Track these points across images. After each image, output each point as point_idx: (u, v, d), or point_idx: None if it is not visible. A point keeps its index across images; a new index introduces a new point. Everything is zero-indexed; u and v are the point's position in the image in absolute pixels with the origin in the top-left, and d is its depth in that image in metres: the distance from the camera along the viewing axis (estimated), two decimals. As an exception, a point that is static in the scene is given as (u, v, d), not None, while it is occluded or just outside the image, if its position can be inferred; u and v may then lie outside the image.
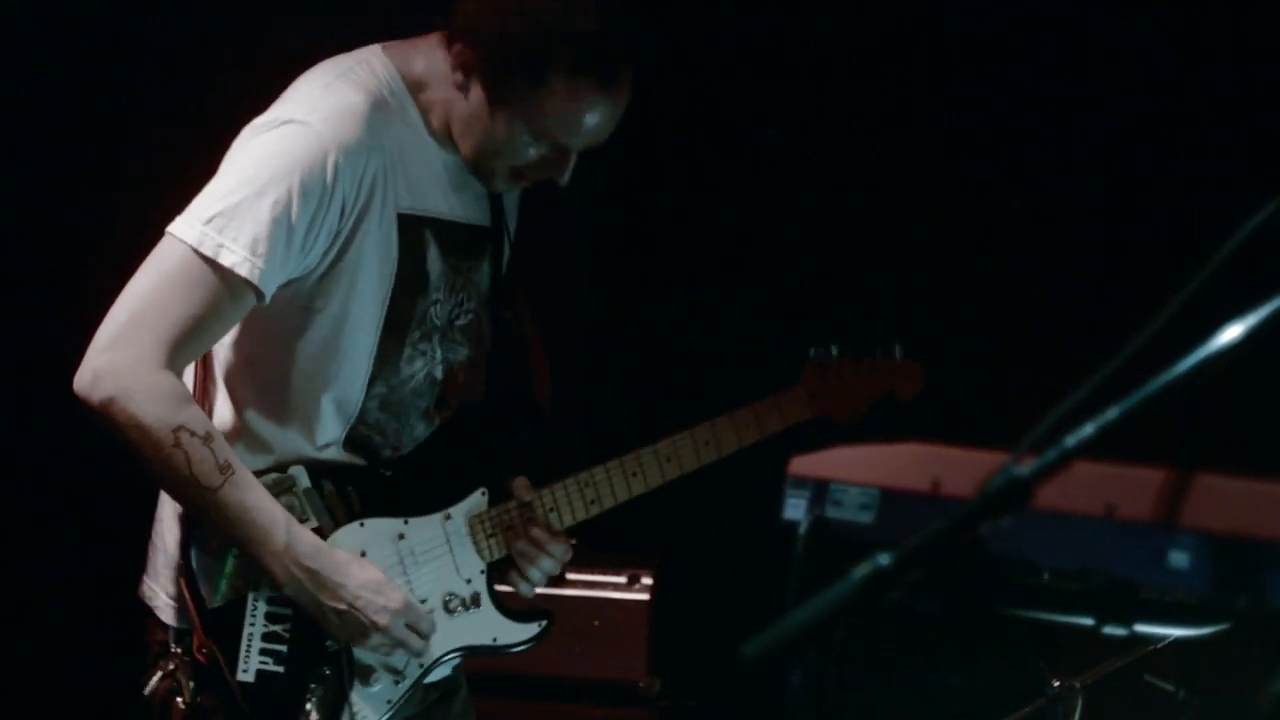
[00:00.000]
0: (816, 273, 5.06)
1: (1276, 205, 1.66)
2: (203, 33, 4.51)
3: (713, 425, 3.34)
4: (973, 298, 5.04)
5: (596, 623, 4.55)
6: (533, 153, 3.05)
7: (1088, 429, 1.53)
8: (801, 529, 1.82)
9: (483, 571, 3.22)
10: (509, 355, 3.38)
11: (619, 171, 5.19)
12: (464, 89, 3.00)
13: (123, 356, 2.84)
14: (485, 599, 3.22)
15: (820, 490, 1.83)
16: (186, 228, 2.89)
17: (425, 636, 3.11)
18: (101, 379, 2.85)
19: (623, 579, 4.61)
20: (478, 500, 3.23)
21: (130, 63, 4.48)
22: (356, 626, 3.01)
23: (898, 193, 5.03)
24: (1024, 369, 4.94)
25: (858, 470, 1.82)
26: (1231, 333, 1.55)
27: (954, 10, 4.95)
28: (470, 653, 3.24)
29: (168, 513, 3.11)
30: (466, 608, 3.20)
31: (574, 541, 3.32)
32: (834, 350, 3.48)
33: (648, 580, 4.62)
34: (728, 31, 5.10)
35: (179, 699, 3.03)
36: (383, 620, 3.01)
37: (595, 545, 4.69)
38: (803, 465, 1.86)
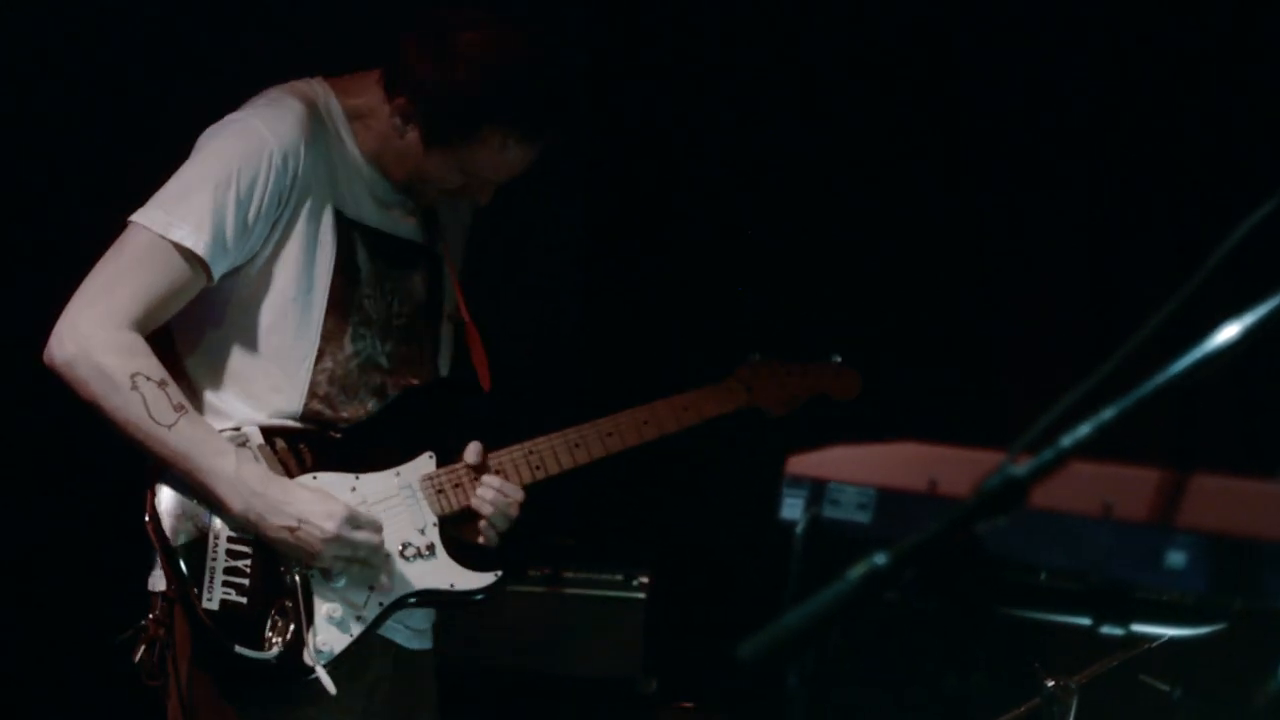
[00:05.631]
0: (806, 268, 5.07)
1: (1271, 207, 1.66)
2: (201, 47, 4.55)
3: (652, 407, 3.64)
4: (969, 298, 5.04)
5: (593, 621, 4.55)
6: (460, 181, 3.43)
7: (1084, 429, 1.53)
8: (799, 528, 1.83)
9: (435, 524, 3.43)
10: (454, 348, 3.67)
11: (603, 176, 5.20)
12: (400, 130, 3.37)
13: (83, 320, 3.15)
14: (440, 548, 3.42)
15: (817, 489, 1.83)
16: (142, 212, 3.24)
17: (376, 533, 3.30)
18: (65, 341, 3.15)
19: (619, 577, 4.62)
20: (425, 461, 3.47)
21: (132, 72, 4.50)
22: (309, 540, 3.21)
23: (894, 193, 5.03)
24: (1021, 369, 4.94)
25: (855, 470, 1.82)
26: (1228, 333, 1.56)
27: (950, 13, 4.95)
28: (430, 598, 3.42)
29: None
30: (422, 555, 3.40)
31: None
32: (771, 356, 3.82)
33: (644, 579, 4.62)
34: (707, 38, 5.11)
35: (156, 654, 3.23)
36: (330, 526, 3.22)
37: (592, 544, 4.71)
38: (800, 465, 1.86)
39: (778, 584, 1.75)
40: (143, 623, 3.26)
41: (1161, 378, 1.55)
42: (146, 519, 3.23)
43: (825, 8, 5.05)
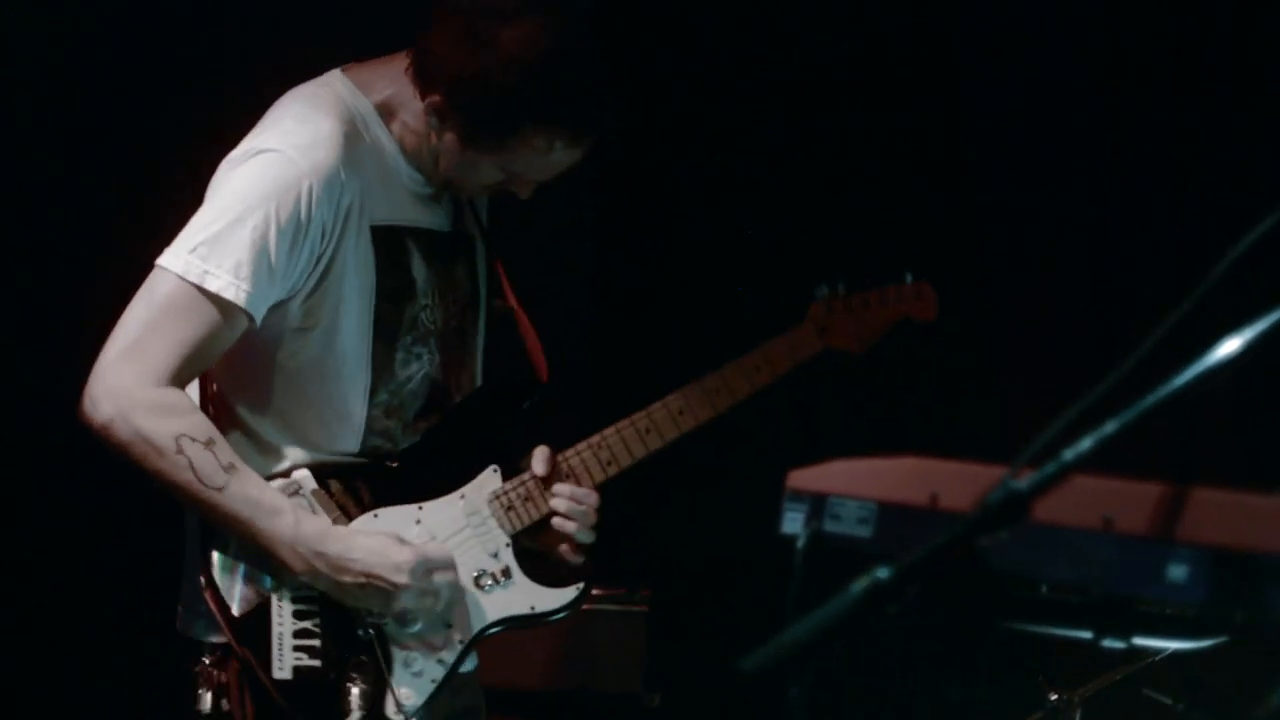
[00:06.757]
0: (807, 273, 5.05)
1: (1273, 220, 1.66)
2: (215, 62, 4.54)
3: (721, 373, 3.37)
4: (970, 311, 5.04)
5: (594, 636, 4.54)
6: (500, 178, 3.19)
7: (1085, 443, 1.53)
8: (800, 543, 1.83)
9: (508, 544, 3.25)
10: (502, 338, 3.44)
11: (618, 144, 5.16)
12: (437, 130, 3.13)
13: (120, 380, 2.96)
14: (516, 570, 3.24)
15: (818, 504, 1.83)
16: (173, 258, 3.01)
17: (451, 574, 3.13)
18: (101, 402, 2.96)
19: (621, 591, 4.61)
20: (490, 477, 3.28)
21: (146, 87, 4.50)
22: (381, 594, 3.06)
23: (896, 205, 5.03)
24: (1022, 383, 4.94)
25: (856, 484, 1.82)
26: (1229, 346, 1.56)
27: (950, 13, 4.95)
28: (513, 624, 3.25)
29: (192, 537, 3.16)
30: (498, 582, 3.23)
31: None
32: (840, 286, 3.51)
33: (646, 593, 4.61)
34: (727, 18, 5.09)
35: (228, 710, 3.09)
36: (401, 578, 3.05)
37: (593, 557, 4.71)
38: (801, 479, 1.86)
39: (779, 598, 1.75)
40: (216, 684, 3.11)
41: (1163, 391, 1.55)
42: (203, 586, 3.07)
43: (828, 7, 5.04)
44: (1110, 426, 1.53)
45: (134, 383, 2.95)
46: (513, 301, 3.41)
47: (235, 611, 3.07)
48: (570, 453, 3.31)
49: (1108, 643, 1.74)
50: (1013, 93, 4.91)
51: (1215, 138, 4.69)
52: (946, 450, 1.79)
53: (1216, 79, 4.68)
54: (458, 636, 3.18)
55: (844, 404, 4.75)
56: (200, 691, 3.11)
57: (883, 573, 1.52)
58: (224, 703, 3.09)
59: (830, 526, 1.82)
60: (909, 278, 3.54)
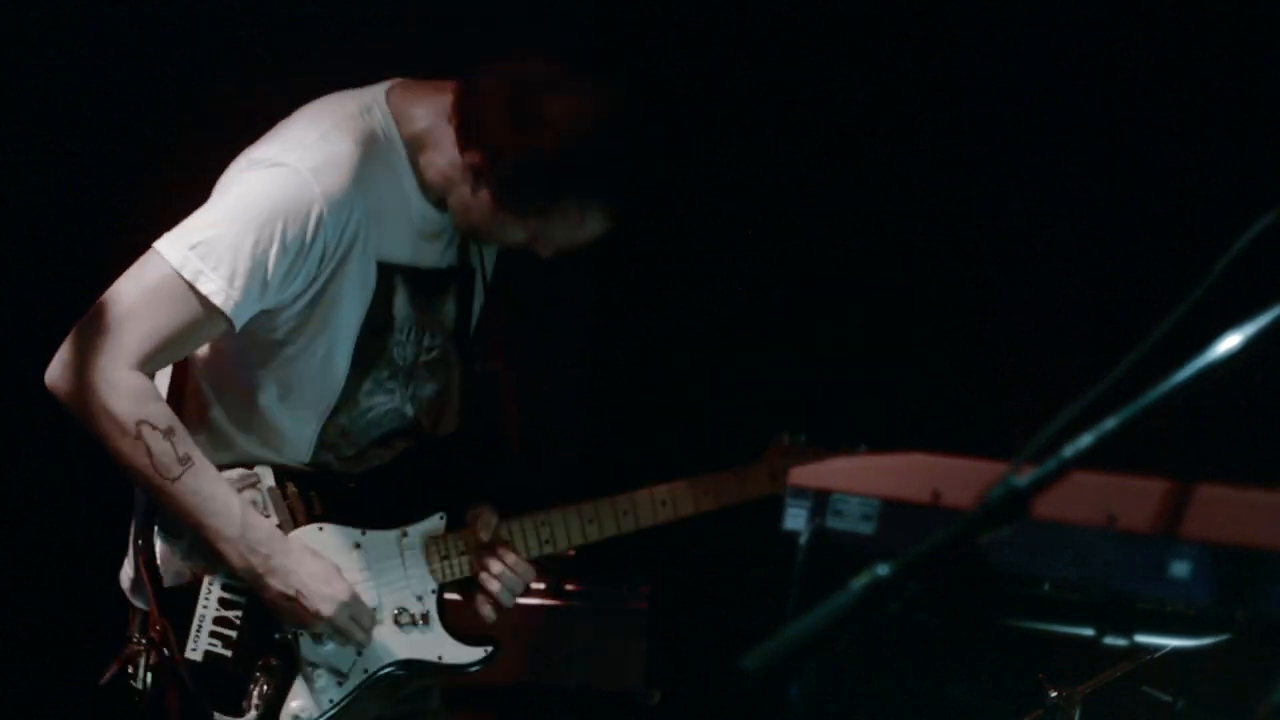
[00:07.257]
0: (810, 277, 5.06)
1: (1272, 216, 1.67)
2: (221, 47, 4.54)
3: (671, 487, 3.48)
4: (972, 308, 5.04)
5: (594, 633, 4.55)
6: (525, 239, 3.23)
7: (1086, 439, 1.53)
8: (802, 539, 1.83)
9: (434, 591, 3.33)
10: (480, 392, 3.50)
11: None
12: (472, 186, 3.15)
13: (94, 355, 3.00)
14: (434, 618, 3.33)
15: (821, 501, 1.84)
16: (171, 249, 3.03)
17: (367, 630, 3.22)
18: (72, 373, 3.01)
19: (621, 589, 4.61)
20: (435, 523, 3.36)
21: (145, 71, 4.50)
22: (302, 612, 3.13)
23: (897, 205, 5.03)
24: (1024, 379, 4.94)
25: (858, 481, 1.83)
26: (1230, 342, 1.56)
27: (951, 24, 4.95)
28: (415, 668, 3.32)
29: (140, 503, 3.20)
30: (416, 624, 3.31)
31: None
32: (801, 438, 3.62)
33: (645, 590, 4.61)
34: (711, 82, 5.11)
35: (133, 681, 3.15)
36: (327, 609, 3.13)
37: (593, 555, 4.71)
38: (803, 475, 1.86)
39: (781, 595, 1.75)
40: (129, 650, 3.17)
41: (1164, 387, 1.55)
42: (142, 555, 3.13)
43: (831, 10, 5.05)
44: (1111, 423, 1.53)
45: (107, 360, 2.99)
46: (500, 365, 3.48)
47: (166, 583, 3.13)
48: (514, 523, 3.39)
49: (1109, 640, 1.74)
50: (1013, 91, 4.91)
51: (1215, 138, 4.69)
52: (948, 447, 1.80)
53: (1217, 79, 4.68)
54: (364, 666, 3.25)
55: (846, 401, 4.76)
56: (134, 664, 3.16)
57: (883, 569, 1.52)
58: (151, 677, 3.15)
59: (833, 523, 1.82)
60: (864, 448, 3.54)
